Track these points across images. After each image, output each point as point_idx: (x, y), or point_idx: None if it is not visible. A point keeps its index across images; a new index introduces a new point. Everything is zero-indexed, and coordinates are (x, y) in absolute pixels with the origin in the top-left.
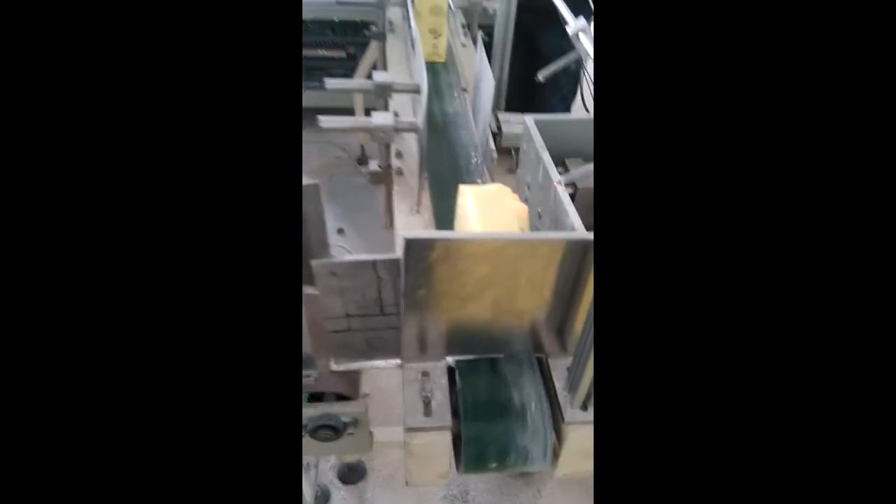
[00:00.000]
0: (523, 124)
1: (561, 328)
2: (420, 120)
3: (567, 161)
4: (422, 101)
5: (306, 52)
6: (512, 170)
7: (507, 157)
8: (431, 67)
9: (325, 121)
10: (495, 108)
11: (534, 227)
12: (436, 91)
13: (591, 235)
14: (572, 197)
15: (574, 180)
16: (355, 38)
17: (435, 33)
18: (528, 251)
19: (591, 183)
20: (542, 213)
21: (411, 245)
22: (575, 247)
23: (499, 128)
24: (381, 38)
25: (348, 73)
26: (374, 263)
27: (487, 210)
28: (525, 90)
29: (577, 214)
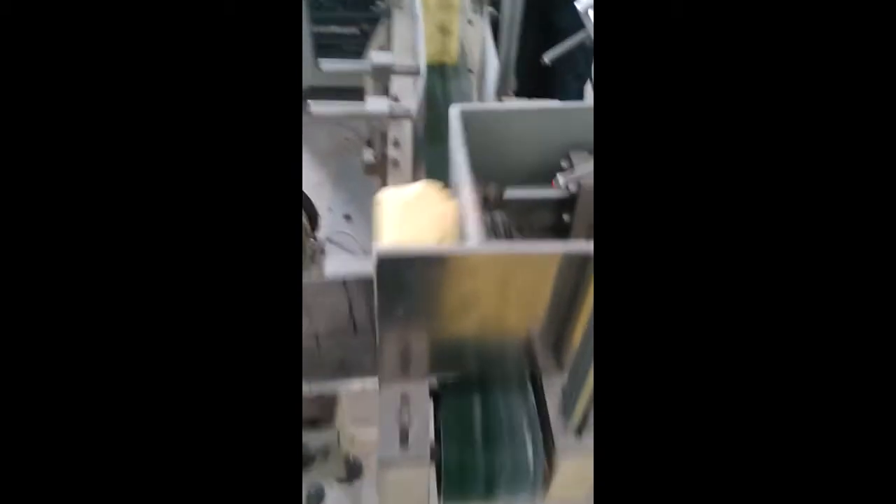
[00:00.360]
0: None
1: (557, 344)
2: (415, 106)
3: (572, 154)
4: (418, 85)
5: (319, 29)
6: None
7: None
8: (441, 70)
9: (315, 107)
10: (502, 92)
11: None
12: (443, 96)
13: (590, 247)
14: (572, 200)
15: (578, 179)
16: (367, 13)
17: (445, 31)
18: (518, 265)
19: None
20: None
21: (384, 261)
22: (572, 261)
23: None
24: (387, 14)
25: (361, 50)
26: (344, 283)
27: (406, 218)
28: (538, 69)
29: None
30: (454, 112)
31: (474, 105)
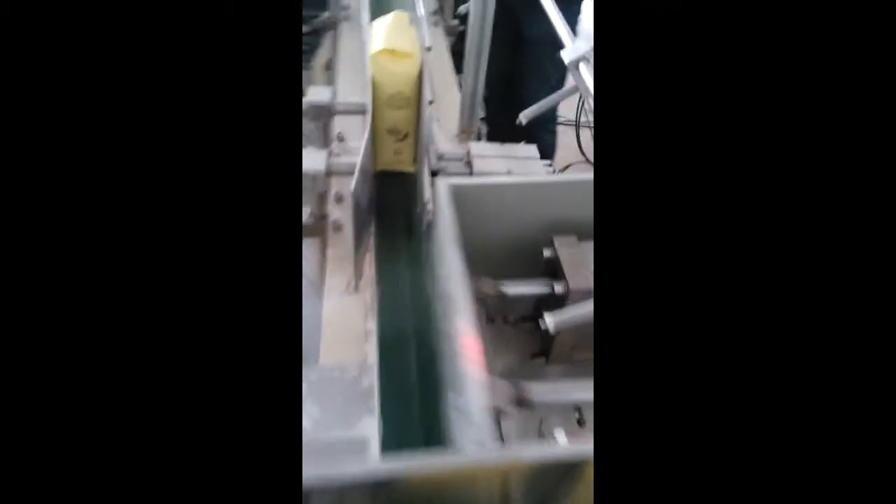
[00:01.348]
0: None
1: None
2: (360, 158)
3: (555, 239)
4: (365, 132)
5: None
6: None
7: None
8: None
9: None
10: (466, 130)
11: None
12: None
13: (577, 452)
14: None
15: (558, 325)
16: (307, 24)
17: (396, 132)
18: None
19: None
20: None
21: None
22: (548, 472)
23: (469, 164)
24: (332, 26)
25: (307, 55)
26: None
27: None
28: (507, 84)
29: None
30: (442, 186)
31: (463, 180)
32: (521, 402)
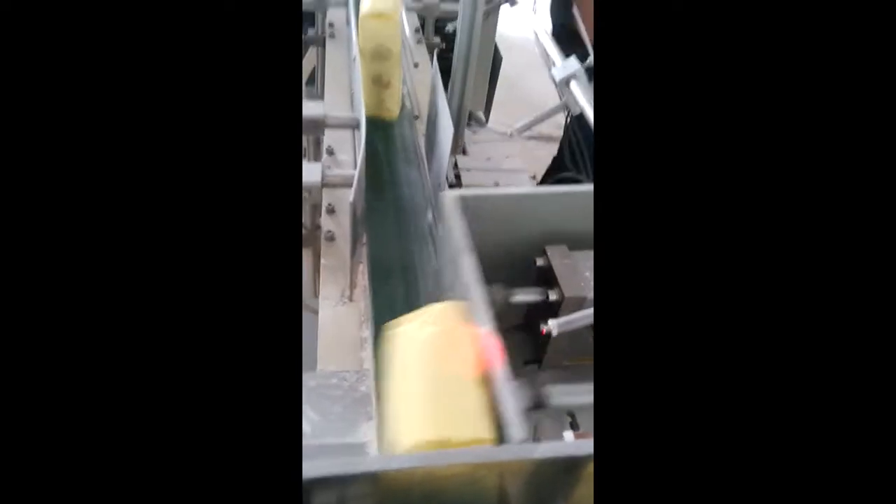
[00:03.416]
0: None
1: None
2: (357, 171)
3: (548, 249)
4: (360, 145)
5: None
6: None
7: None
8: (381, 125)
9: None
10: (454, 150)
11: None
12: (387, 162)
13: (580, 447)
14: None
15: (561, 328)
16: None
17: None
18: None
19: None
20: None
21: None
22: (547, 468)
23: (457, 177)
24: (320, 43)
25: None
26: None
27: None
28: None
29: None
30: (451, 197)
31: (471, 190)
32: (539, 404)
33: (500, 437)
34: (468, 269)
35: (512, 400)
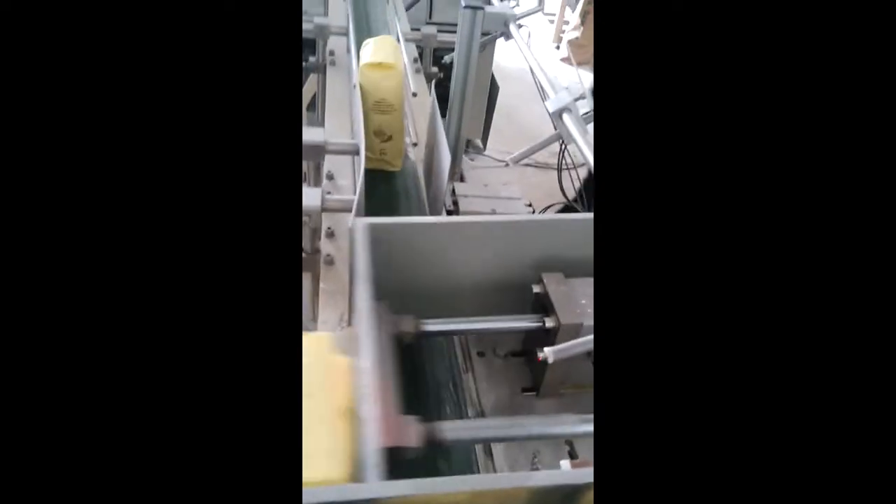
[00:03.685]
0: (349, 229)
1: None
2: (357, 196)
3: (544, 276)
4: (358, 174)
5: None
6: None
7: None
8: (382, 177)
9: None
10: (451, 176)
11: None
12: (388, 207)
13: (577, 476)
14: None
15: (557, 356)
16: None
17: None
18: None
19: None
20: None
21: None
22: (544, 496)
23: (455, 203)
24: (321, 70)
25: None
26: None
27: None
28: None
29: None
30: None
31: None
32: (433, 440)
33: (356, 476)
34: (362, 296)
35: (371, 440)
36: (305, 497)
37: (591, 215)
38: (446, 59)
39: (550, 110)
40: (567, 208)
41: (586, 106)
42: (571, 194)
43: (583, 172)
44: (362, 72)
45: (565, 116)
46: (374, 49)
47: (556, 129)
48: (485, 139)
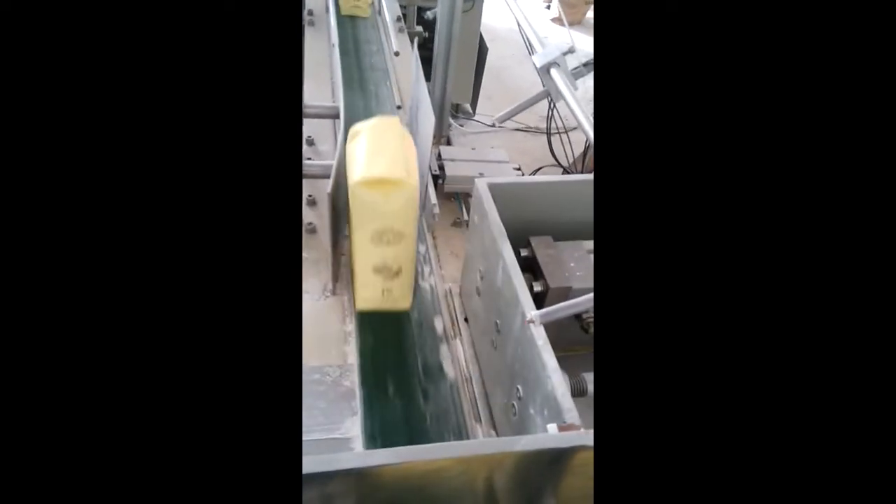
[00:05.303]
0: (474, 188)
1: None
2: (336, 160)
3: (532, 240)
4: (339, 135)
5: None
6: (458, 222)
7: (452, 204)
8: (351, 22)
9: None
10: (437, 140)
11: (486, 350)
12: (354, 43)
13: (563, 439)
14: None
15: (547, 317)
16: None
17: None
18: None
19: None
20: (498, 343)
21: None
22: (531, 460)
23: (441, 168)
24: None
25: None
26: None
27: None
28: None
29: (555, 363)
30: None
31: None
32: (582, 391)
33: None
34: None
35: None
36: None
37: (578, 177)
38: (429, 14)
39: (538, 65)
40: (566, 173)
41: (575, 61)
42: (562, 158)
43: (573, 136)
44: (354, 192)
45: (553, 72)
46: (371, 149)
47: (543, 86)
48: (474, 104)
